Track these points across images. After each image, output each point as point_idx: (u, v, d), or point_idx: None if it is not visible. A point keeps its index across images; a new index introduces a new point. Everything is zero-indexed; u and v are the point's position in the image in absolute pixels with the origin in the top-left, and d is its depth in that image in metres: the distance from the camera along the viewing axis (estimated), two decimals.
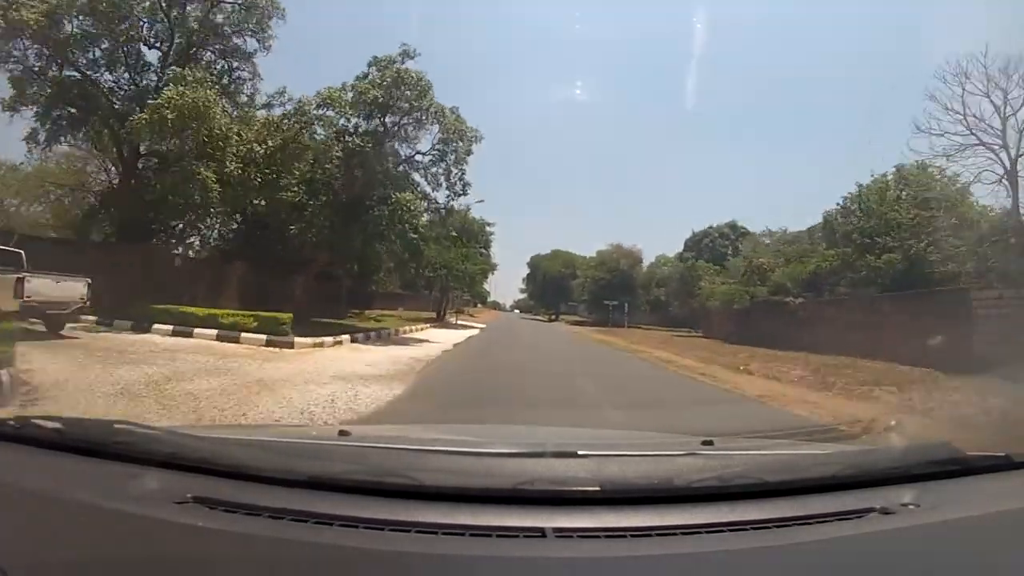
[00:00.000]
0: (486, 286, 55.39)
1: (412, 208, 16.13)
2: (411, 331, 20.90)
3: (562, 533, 1.02)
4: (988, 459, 1.44)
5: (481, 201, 38.11)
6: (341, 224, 16.18)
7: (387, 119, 17.36)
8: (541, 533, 1.02)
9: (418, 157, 18.66)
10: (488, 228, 36.80)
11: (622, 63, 78.70)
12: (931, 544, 1.11)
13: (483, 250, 34.85)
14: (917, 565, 1.06)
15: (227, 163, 14.76)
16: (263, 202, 16.18)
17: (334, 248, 16.99)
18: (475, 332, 25.08)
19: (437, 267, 28.42)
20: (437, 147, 18.22)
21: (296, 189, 15.98)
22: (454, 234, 31.09)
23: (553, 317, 58.50)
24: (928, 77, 29.72)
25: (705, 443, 1.69)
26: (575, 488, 1.17)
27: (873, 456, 1.71)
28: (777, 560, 1.03)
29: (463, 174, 18.51)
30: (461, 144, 17.94)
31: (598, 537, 1.04)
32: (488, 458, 1.44)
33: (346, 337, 14.40)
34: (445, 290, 34.62)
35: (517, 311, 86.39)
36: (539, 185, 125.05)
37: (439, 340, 17.64)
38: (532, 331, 30.63)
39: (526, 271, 69.48)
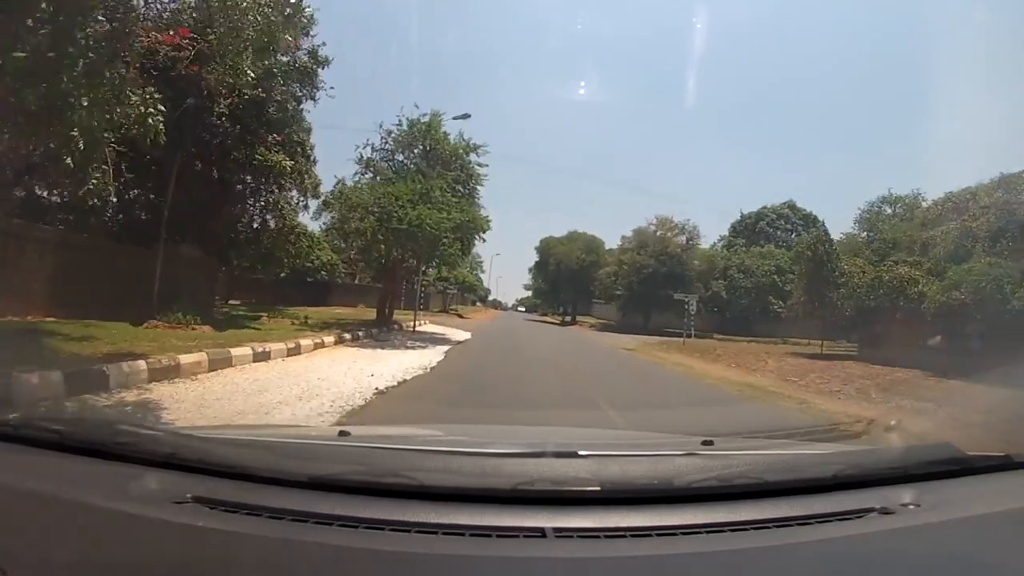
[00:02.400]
0: (484, 280, 41.64)
1: None
2: (244, 364, 7.69)
3: (562, 533, 1.02)
4: (988, 459, 1.44)
5: (466, 116, 17.55)
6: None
7: None
8: (541, 533, 1.02)
9: None
10: (477, 159, 18.00)
11: (623, 57, 77.41)
12: (931, 544, 1.11)
13: (462, 188, 17.31)
14: (917, 565, 1.06)
15: None
16: None
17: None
18: (419, 368, 9.17)
19: (355, 205, 14.84)
20: None
21: None
22: (405, 159, 16.64)
23: (569, 319, 44.41)
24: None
25: (705, 443, 1.69)
26: (576, 488, 1.17)
27: (873, 456, 1.71)
28: (777, 560, 1.03)
29: None
30: None
31: (598, 537, 1.04)
32: (488, 458, 1.44)
33: None
34: (391, 267, 18.32)
35: (521, 309, 76.85)
36: (541, 181, 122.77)
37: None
38: (554, 357, 13.90)
39: (531, 277, 53.93)
